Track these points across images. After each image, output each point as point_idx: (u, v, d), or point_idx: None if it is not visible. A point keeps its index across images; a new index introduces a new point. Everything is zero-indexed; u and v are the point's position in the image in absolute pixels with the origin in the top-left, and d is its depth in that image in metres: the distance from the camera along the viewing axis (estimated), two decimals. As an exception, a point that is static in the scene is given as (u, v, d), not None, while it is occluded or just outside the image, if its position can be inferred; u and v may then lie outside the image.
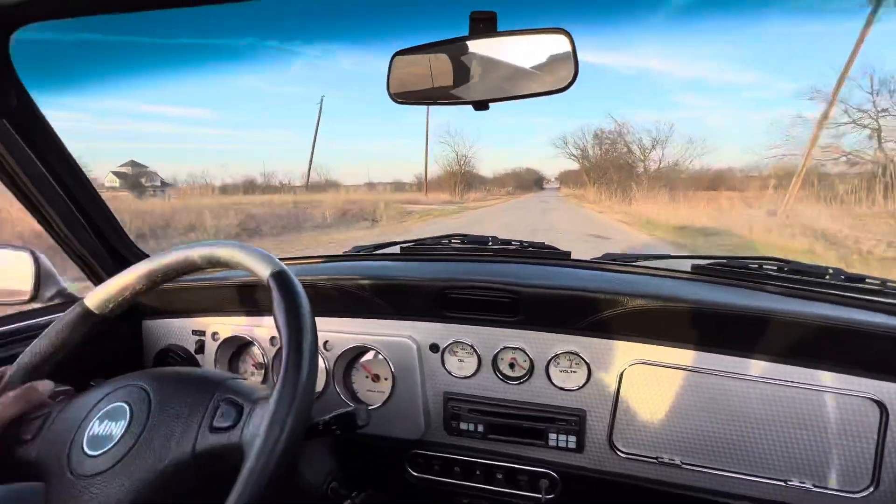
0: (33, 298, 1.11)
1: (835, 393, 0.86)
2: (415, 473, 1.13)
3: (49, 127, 0.96)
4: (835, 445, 0.87)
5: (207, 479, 0.60)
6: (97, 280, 1.19)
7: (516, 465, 1.05)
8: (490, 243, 1.29)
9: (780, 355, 0.89)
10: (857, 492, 0.86)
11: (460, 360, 1.06)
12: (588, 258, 1.25)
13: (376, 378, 1.14)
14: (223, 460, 0.58)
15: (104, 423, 0.63)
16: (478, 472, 1.08)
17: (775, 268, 1.04)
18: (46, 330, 0.74)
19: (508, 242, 1.28)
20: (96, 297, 0.76)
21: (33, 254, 1.12)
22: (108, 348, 1.15)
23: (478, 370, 1.05)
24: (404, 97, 0.82)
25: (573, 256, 1.22)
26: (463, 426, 1.05)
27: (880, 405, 0.84)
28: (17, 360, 0.73)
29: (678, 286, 1.02)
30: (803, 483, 0.89)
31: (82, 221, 1.09)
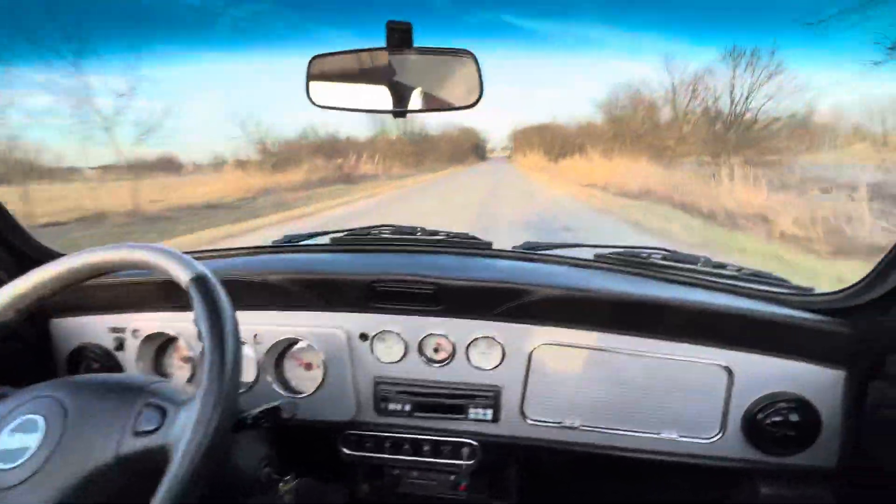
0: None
1: (697, 362, 1.05)
2: (347, 452, 1.20)
3: None
4: (694, 403, 1.06)
5: (136, 481, 0.62)
6: (-8, 280, 1.10)
7: (440, 438, 1.16)
8: (418, 233, 1.35)
9: (659, 333, 1.06)
10: (710, 437, 1.07)
11: (388, 347, 1.14)
12: (509, 247, 1.36)
13: (308, 366, 1.19)
14: (150, 462, 0.61)
15: (15, 436, 0.63)
16: (406, 447, 1.18)
17: (660, 255, 1.21)
18: None
19: (435, 233, 1.36)
20: None
21: None
22: (12, 352, 1.08)
23: (405, 355, 1.13)
24: (323, 102, 0.83)
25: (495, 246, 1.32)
26: (392, 406, 1.14)
27: (728, 370, 1.03)
28: None
29: (582, 276, 1.16)
30: (671, 434, 1.08)
31: None
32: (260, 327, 1.13)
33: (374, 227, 1.39)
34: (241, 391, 1.15)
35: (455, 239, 1.32)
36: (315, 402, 1.14)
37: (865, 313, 0.96)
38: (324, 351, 1.12)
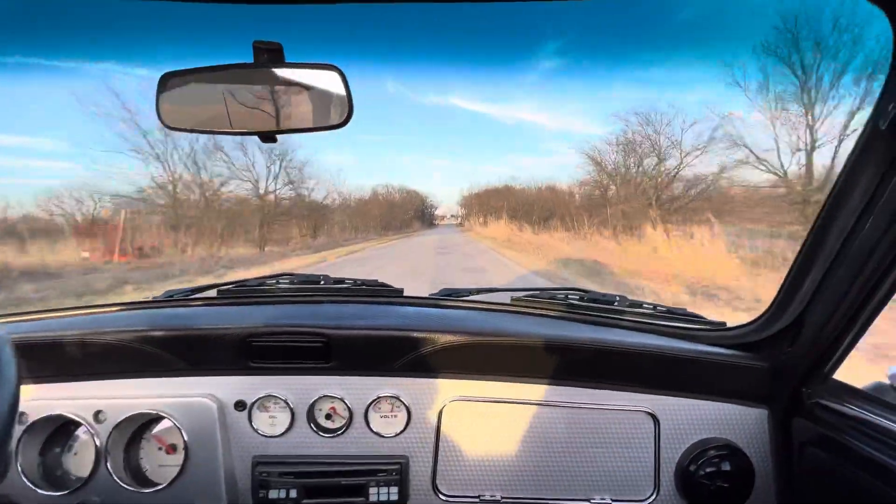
0: None
1: (621, 409, 0.95)
2: None
3: None
4: (624, 457, 0.95)
5: None
6: None
7: None
8: (322, 282, 1.22)
9: (579, 378, 0.97)
10: (645, 498, 0.95)
11: (271, 417, 0.95)
12: (426, 294, 1.25)
13: (172, 449, 0.96)
14: None
15: None
16: None
17: (577, 297, 1.15)
18: None
19: (342, 281, 1.22)
20: None
21: None
22: None
23: (291, 426, 0.94)
24: (178, 123, 0.73)
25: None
26: (273, 494, 0.92)
27: (653, 417, 0.95)
28: None
29: (495, 319, 1.06)
30: (604, 499, 0.95)
31: None
32: (106, 401, 0.91)
33: (271, 276, 1.24)
34: (71, 489, 0.89)
35: (362, 287, 1.20)
36: (174, 497, 0.90)
37: (775, 345, 0.93)
38: (187, 427, 0.90)
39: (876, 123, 0.66)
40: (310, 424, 0.94)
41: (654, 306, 1.11)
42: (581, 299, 1.15)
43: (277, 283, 1.20)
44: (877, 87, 0.65)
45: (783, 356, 0.91)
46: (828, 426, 0.83)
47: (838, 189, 0.75)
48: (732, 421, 0.95)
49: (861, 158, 0.71)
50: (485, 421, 0.96)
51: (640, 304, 1.12)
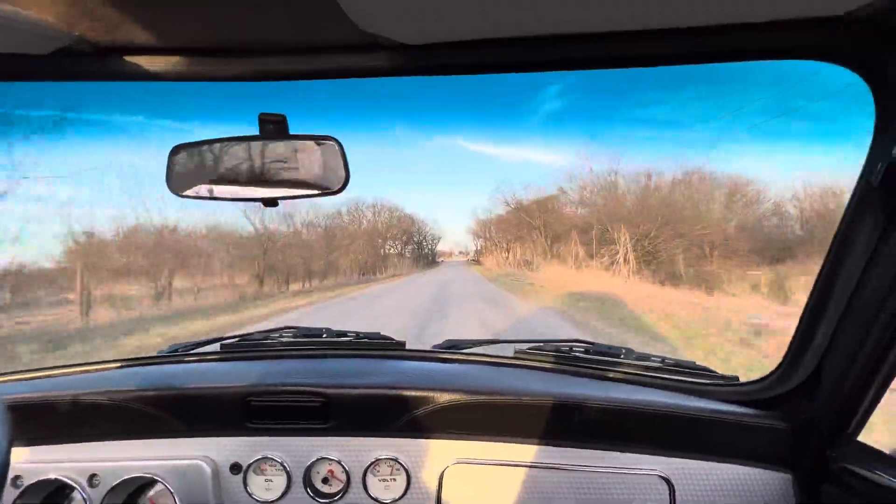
0: None
1: (632, 473, 0.90)
2: None
3: None
4: None
5: None
6: None
7: None
8: (324, 336, 1.21)
9: (587, 440, 0.92)
10: None
11: (267, 480, 0.92)
12: (428, 347, 1.24)
13: None
14: None
15: None
16: None
17: (582, 349, 1.13)
18: None
19: (343, 334, 1.22)
20: None
21: None
22: None
23: (287, 490, 0.91)
24: (186, 191, 0.76)
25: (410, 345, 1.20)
26: None
27: (667, 481, 0.89)
28: None
29: (498, 375, 1.04)
30: None
31: None
32: (100, 464, 0.89)
33: (274, 329, 1.24)
34: None
35: (364, 340, 1.19)
36: None
37: (793, 403, 0.88)
38: (181, 492, 0.88)
39: (868, 180, 0.67)
40: (306, 489, 0.91)
41: (663, 359, 1.08)
42: (586, 352, 1.12)
43: (280, 336, 1.21)
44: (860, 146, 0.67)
45: (802, 415, 0.87)
46: (858, 495, 0.77)
47: (839, 242, 0.74)
48: (754, 486, 0.89)
49: (858, 212, 0.71)
50: (488, 486, 0.91)
51: (647, 357, 1.09)
